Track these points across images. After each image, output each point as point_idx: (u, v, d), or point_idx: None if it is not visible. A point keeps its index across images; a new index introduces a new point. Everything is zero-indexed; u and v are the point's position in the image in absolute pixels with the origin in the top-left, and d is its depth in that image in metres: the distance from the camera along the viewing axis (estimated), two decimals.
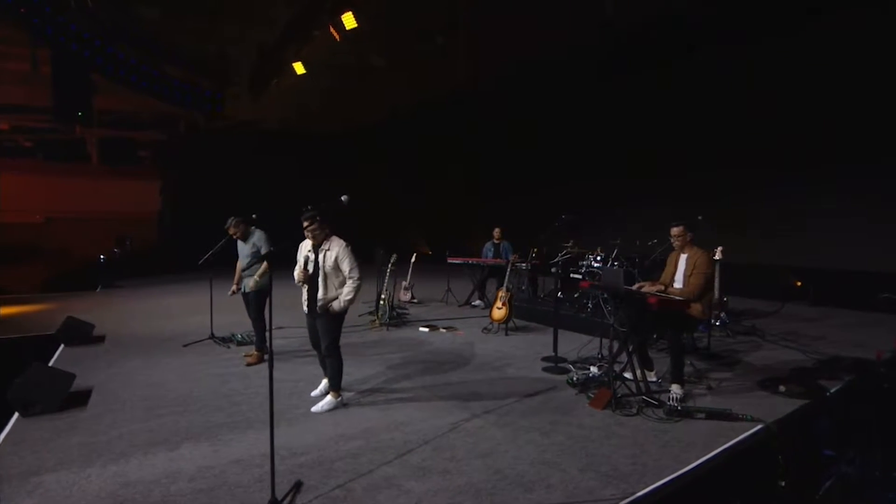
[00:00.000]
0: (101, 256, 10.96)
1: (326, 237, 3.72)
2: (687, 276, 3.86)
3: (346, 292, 3.65)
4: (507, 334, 6.00)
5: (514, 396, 3.88)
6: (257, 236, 4.87)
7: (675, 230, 3.93)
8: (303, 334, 5.85)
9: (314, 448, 3.06)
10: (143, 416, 3.50)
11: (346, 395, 3.91)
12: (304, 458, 2.95)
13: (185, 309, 7.54)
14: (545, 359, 4.78)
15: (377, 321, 6.47)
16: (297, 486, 2.66)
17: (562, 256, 6.98)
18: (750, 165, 8.70)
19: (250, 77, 10.89)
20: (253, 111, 13.78)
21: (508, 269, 6.34)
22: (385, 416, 3.52)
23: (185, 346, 5.33)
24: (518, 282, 8.49)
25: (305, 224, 3.65)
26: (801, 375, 4.24)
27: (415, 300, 8.39)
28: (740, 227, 8.83)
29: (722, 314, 5.77)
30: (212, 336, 5.51)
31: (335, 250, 3.69)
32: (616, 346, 3.99)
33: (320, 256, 3.68)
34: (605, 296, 4.68)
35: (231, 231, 4.84)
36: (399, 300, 8.35)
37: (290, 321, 6.52)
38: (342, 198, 3.22)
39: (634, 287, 4.02)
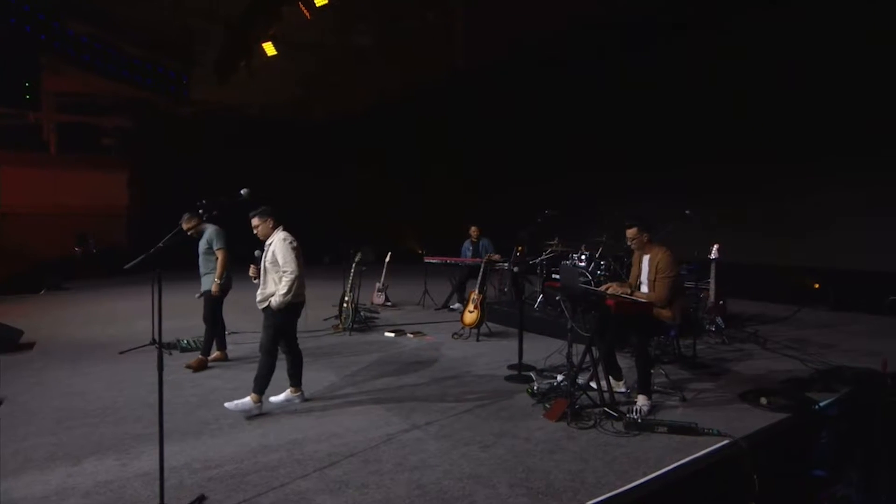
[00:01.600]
0: (79, 251, 10.97)
1: (272, 231, 3.88)
2: (651, 280, 3.86)
3: (280, 287, 3.76)
4: (478, 340, 6.02)
5: (465, 406, 3.89)
6: (210, 232, 4.93)
7: (629, 231, 3.94)
8: (257, 340, 5.98)
9: (231, 460, 3.09)
10: (51, 429, 3.55)
11: (282, 402, 3.95)
12: (216, 470, 2.98)
13: (132, 313, 7.64)
14: (512, 366, 4.78)
15: (340, 325, 6.52)
16: (200, 501, 2.68)
17: (546, 255, 7.02)
18: (765, 156, 8.63)
19: (217, 57, 10.99)
20: (228, 96, 13.93)
21: (482, 269, 6.35)
22: (318, 427, 3.55)
23: (121, 352, 5.40)
24: (500, 283, 8.53)
25: (251, 217, 3.85)
26: (789, 387, 4.20)
27: (388, 303, 8.44)
28: (754, 224, 8.78)
29: (718, 319, 5.73)
30: (153, 342, 5.57)
31: (275, 244, 3.80)
32: (580, 351, 3.99)
33: (265, 251, 3.85)
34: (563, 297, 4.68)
35: (185, 227, 4.91)
36: (372, 303, 8.42)
37: (246, 325, 6.59)
38: (241, 192, 3.26)
39: (602, 288, 4.01)
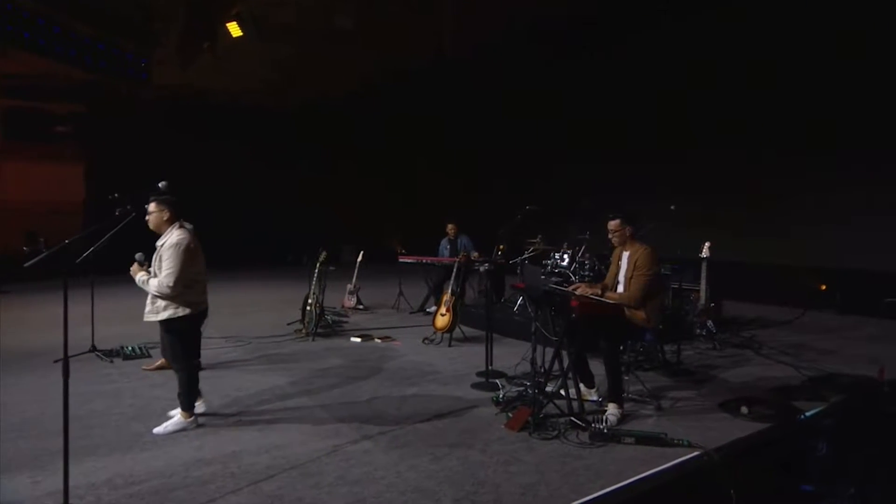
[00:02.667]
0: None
1: (166, 226, 3.67)
2: (628, 278, 3.89)
3: (151, 283, 3.59)
4: (450, 345, 6.06)
5: (423, 416, 3.91)
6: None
7: (611, 224, 3.96)
8: (216, 346, 6.03)
9: (159, 475, 3.10)
10: None
11: (229, 412, 3.95)
12: (140, 486, 2.98)
13: (75, 318, 7.57)
14: (481, 373, 4.82)
15: (304, 330, 6.53)
16: None
17: (528, 254, 7.06)
18: (768, 147, 8.71)
19: (178, 38, 10.95)
20: (195, 80, 13.88)
21: (455, 269, 6.38)
22: (260, 438, 3.56)
23: (56, 361, 5.38)
24: (480, 284, 8.56)
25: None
26: (775, 396, 4.25)
27: (360, 306, 8.46)
28: (757, 221, 8.85)
29: (708, 323, 5.78)
30: (93, 349, 5.56)
31: (165, 245, 3.61)
32: (548, 357, 4.02)
33: (156, 252, 3.68)
34: (527, 298, 4.72)
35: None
36: (342, 306, 8.43)
37: (213, 329, 6.61)
38: (160, 184, 3.27)
39: (570, 288, 4.05)
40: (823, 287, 8.26)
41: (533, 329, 3.79)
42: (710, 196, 9.23)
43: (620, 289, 3.99)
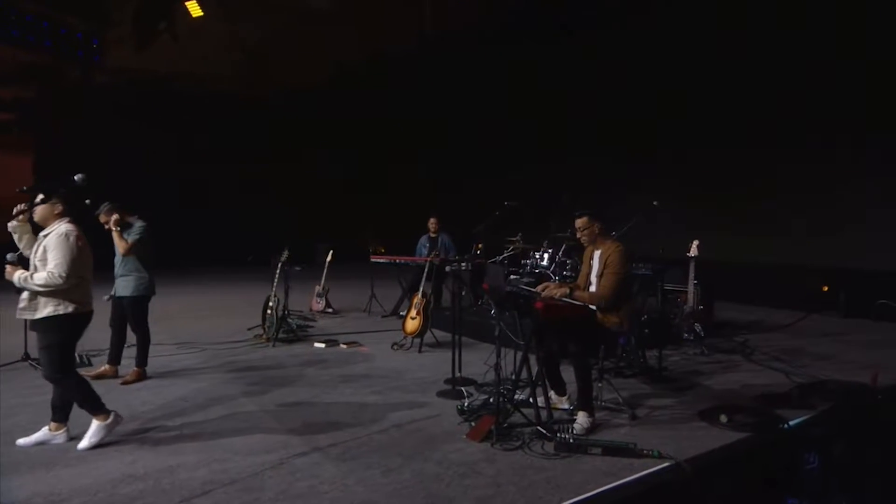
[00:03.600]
0: None
1: (54, 220, 3.60)
2: (598, 278, 3.94)
3: (36, 277, 3.47)
4: (420, 351, 6.09)
5: (381, 425, 3.94)
6: (134, 227, 4.93)
7: (578, 221, 4.02)
8: (166, 353, 6.02)
9: (83, 492, 3.08)
10: None
11: (171, 423, 3.96)
12: None
13: (6, 324, 7.50)
14: (450, 380, 4.85)
15: (264, 335, 6.53)
16: None
17: (507, 253, 7.11)
18: (766, 140, 8.82)
19: (132, 17, 10.89)
20: (154, 64, 13.80)
21: (426, 269, 6.42)
22: (201, 451, 3.56)
23: None
24: (457, 286, 8.59)
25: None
26: (759, 403, 4.32)
27: (329, 309, 8.48)
28: (754, 218, 8.97)
29: (696, 326, 5.86)
30: (26, 357, 5.51)
31: (49, 237, 3.54)
32: (514, 362, 4.06)
33: (36, 245, 3.60)
34: (490, 299, 4.77)
35: (102, 220, 4.91)
36: (310, 309, 8.44)
37: (166, 336, 6.64)
38: (75, 177, 3.25)
39: (538, 288, 4.09)
40: (825, 288, 8.40)
41: (496, 332, 3.82)
42: (702, 191, 9.37)
43: (593, 289, 4.03)
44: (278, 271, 6.56)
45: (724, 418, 3.89)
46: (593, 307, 3.91)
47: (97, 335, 5.14)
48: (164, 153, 14.54)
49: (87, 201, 5.00)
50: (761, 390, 4.67)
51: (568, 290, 4.05)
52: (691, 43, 9.47)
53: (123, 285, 4.98)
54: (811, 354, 6.00)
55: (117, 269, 5.02)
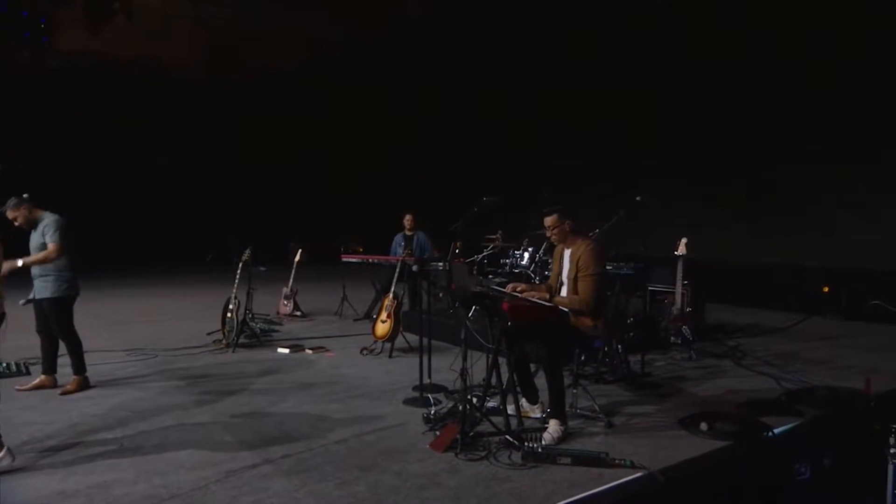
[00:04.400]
0: None
1: None
2: (571, 279, 3.98)
3: None
4: (391, 356, 6.12)
5: (340, 435, 3.95)
6: (46, 222, 4.85)
7: (547, 220, 4.05)
8: (115, 360, 5.99)
9: None
10: None
11: (112, 436, 3.93)
12: None
13: None
14: (418, 387, 4.87)
15: (224, 340, 6.52)
16: None
17: (487, 252, 7.15)
18: (765, 132, 8.91)
19: None
20: (112, 48, 13.67)
21: (398, 269, 6.44)
22: (141, 465, 3.55)
23: None
24: (434, 287, 8.63)
25: None
26: (744, 410, 4.38)
27: (298, 312, 8.47)
28: (752, 215, 9.07)
29: (684, 329, 5.92)
30: None
31: None
32: (486, 367, 4.09)
33: None
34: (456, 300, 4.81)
35: (10, 216, 4.80)
36: (278, 313, 8.43)
37: (116, 341, 6.57)
38: None
39: (507, 289, 4.13)
40: (826, 289, 8.50)
41: (462, 335, 3.85)
42: (695, 186, 9.47)
43: (564, 290, 4.08)
44: (239, 271, 6.55)
45: (704, 426, 3.94)
46: (566, 309, 3.95)
47: (35, 342, 5.12)
48: (121, 143, 14.44)
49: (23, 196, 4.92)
50: (748, 396, 4.73)
51: (547, 296, 4.09)
52: (691, 33, 9.56)
53: (42, 287, 4.86)
54: (806, 359, 6.07)
55: (34, 270, 4.86)
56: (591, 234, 5.60)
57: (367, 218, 15.74)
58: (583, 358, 5.28)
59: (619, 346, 5.19)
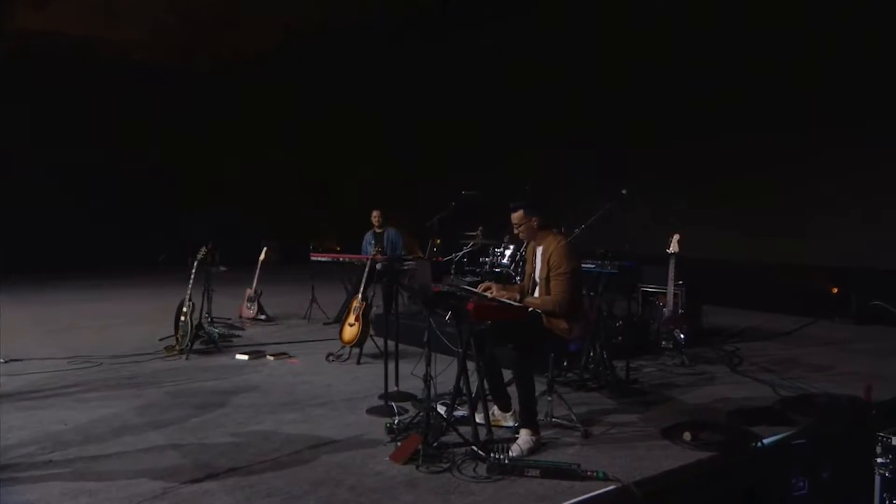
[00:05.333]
0: None
1: None
2: (543, 279, 4.02)
3: None
4: (359, 362, 6.15)
5: (294, 447, 3.96)
6: None
7: (514, 216, 4.11)
8: (53, 368, 5.95)
9: None
10: None
11: (40, 452, 3.92)
12: None
13: None
14: (385, 395, 4.89)
15: (177, 346, 6.50)
16: None
17: (466, 249, 7.18)
18: (768, 122, 8.98)
19: None
20: (66, 27, 13.59)
21: (367, 268, 6.46)
22: (71, 483, 3.50)
23: None
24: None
25: None
26: (731, 419, 4.42)
27: (262, 316, 8.48)
28: (754, 212, 9.14)
29: (677, 333, 5.97)
30: None
31: None
32: (452, 373, 4.11)
33: None
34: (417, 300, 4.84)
35: None
36: (240, 316, 8.42)
37: (58, 348, 6.57)
38: None
39: (479, 288, 4.16)
40: (835, 290, 8.59)
41: (425, 338, 3.87)
42: (691, 180, 9.55)
43: (538, 291, 4.11)
44: (194, 271, 6.55)
45: (687, 436, 3.98)
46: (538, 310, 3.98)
47: None
48: (70, 130, 14.35)
49: None
50: (739, 405, 4.78)
51: (517, 296, 4.12)
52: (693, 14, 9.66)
53: None
54: (807, 365, 6.13)
55: None
56: (575, 229, 5.65)
57: (346, 214, 15.76)
58: (565, 364, 5.38)
59: (605, 352, 5.21)
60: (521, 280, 5.53)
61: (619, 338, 5.93)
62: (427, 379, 3.86)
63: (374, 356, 6.35)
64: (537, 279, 4.13)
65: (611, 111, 10.45)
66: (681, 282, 6.78)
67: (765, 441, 4.08)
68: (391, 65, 14.31)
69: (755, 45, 9.00)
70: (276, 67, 15.95)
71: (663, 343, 6.08)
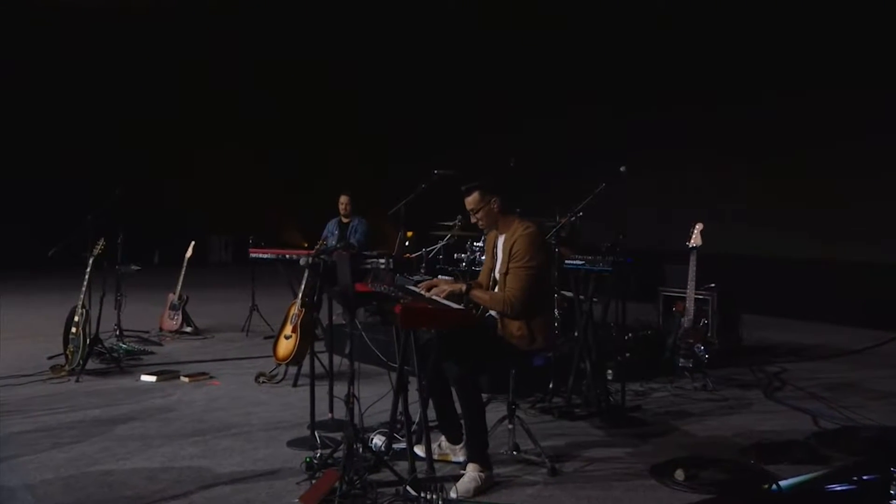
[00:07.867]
0: None
1: None
2: (503, 275, 4.09)
3: None
4: (295, 384, 6.27)
5: (182, 488, 4.05)
6: None
7: (468, 199, 4.18)
8: None
9: None
10: None
11: None
12: None
13: None
14: (321, 423, 4.99)
15: (66, 365, 6.59)
16: None
17: (442, 243, 7.28)
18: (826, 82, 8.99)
19: None
20: None
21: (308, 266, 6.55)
22: None
23: None
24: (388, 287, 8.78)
25: None
26: (748, 456, 4.46)
27: (188, 328, 8.61)
28: (812, 199, 9.15)
29: (697, 347, 6.00)
30: None
31: None
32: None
33: None
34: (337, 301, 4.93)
35: None
36: (161, 328, 8.56)
37: None
38: None
39: (422, 287, 4.24)
40: None
41: (347, 349, 3.96)
42: (726, 155, 9.61)
43: (497, 290, 4.19)
44: (88, 271, 6.66)
45: (679, 474, 4.03)
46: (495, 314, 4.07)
47: None
48: None
49: None
50: (763, 438, 4.82)
51: (462, 288, 4.20)
52: None
53: None
54: (870, 392, 6.16)
55: None
56: (571, 216, 5.71)
57: (318, 202, 15.99)
58: (550, 386, 5.46)
59: (595, 371, 5.29)
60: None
61: (626, 354, 6.00)
62: (349, 400, 3.95)
63: (320, 377, 6.43)
64: (496, 276, 4.20)
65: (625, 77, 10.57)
66: (713, 284, 6.84)
67: (782, 483, 4.13)
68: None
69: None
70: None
71: (680, 361, 6.12)
